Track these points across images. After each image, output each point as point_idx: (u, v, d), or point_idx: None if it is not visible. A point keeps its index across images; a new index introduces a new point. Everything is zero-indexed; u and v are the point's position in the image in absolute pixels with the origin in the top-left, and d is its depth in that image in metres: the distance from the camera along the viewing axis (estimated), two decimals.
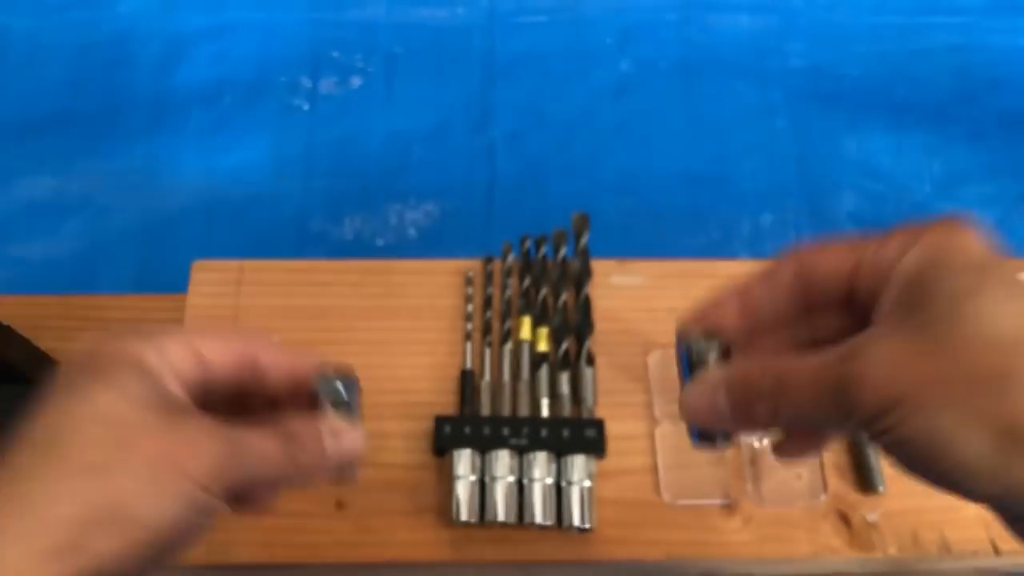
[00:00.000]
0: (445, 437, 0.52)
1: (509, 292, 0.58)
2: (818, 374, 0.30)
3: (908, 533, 0.51)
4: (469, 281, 0.59)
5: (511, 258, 0.60)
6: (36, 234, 0.92)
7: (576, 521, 0.50)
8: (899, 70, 1.03)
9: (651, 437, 0.54)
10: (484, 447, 0.52)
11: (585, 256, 0.59)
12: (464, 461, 0.51)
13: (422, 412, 0.54)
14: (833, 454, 0.54)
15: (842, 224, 0.95)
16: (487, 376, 0.56)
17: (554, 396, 0.55)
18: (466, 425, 0.52)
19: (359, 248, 0.93)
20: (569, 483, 0.51)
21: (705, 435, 0.34)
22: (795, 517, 0.52)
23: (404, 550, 0.51)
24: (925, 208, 0.96)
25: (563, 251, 0.59)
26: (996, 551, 0.51)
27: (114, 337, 0.35)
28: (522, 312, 0.58)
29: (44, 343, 0.62)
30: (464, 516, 0.50)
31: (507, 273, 0.59)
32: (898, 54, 1.04)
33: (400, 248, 0.93)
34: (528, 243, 0.60)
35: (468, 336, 0.57)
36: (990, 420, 0.27)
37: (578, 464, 0.51)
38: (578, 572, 0.55)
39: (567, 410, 0.55)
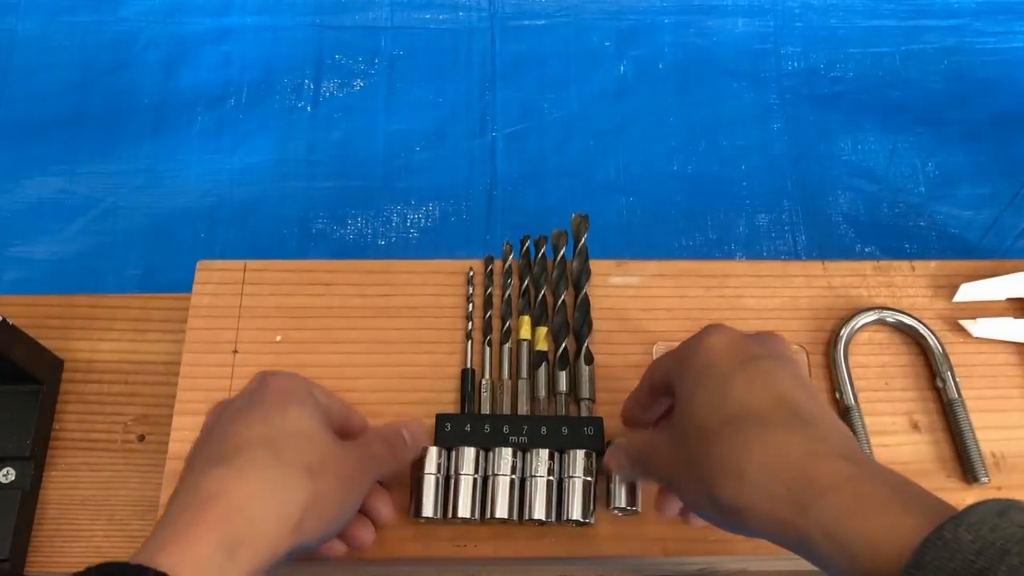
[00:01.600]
0: (446, 435, 0.53)
1: (509, 292, 0.59)
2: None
3: None
4: (470, 281, 0.60)
5: (511, 258, 0.60)
6: (41, 234, 0.93)
7: (577, 515, 0.51)
8: (893, 72, 1.03)
9: None
10: (485, 445, 0.52)
11: (584, 256, 0.59)
12: (469, 459, 0.52)
13: (423, 410, 0.55)
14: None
15: (837, 224, 0.95)
16: (487, 375, 0.57)
17: (553, 394, 0.56)
18: (467, 423, 0.53)
19: (361, 248, 0.93)
20: (571, 478, 0.51)
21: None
22: None
23: (404, 546, 0.52)
24: (920, 208, 0.96)
25: (562, 251, 0.60)
26: None
27: (278, 373, 0.46)
28: (522, 312, 0.58)
29: (49, 342, 0.62)
30: (464, 513, 0.51)
31: (507, 273, 0.60)
32: (892, 57, 1.05)
33: (401, 248, 0.93)
34: (528, 243, 0.60)
35: (468, 335, 0.58)
36: (701, 490, 0.39)
37: (579, 460, 0.52)
38: (577, 568, 0.56)
39: (566, 408, 0.55)
